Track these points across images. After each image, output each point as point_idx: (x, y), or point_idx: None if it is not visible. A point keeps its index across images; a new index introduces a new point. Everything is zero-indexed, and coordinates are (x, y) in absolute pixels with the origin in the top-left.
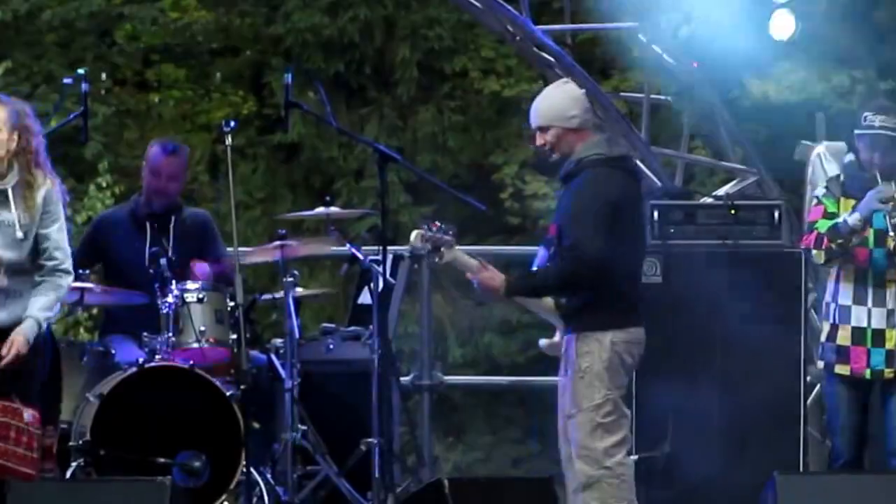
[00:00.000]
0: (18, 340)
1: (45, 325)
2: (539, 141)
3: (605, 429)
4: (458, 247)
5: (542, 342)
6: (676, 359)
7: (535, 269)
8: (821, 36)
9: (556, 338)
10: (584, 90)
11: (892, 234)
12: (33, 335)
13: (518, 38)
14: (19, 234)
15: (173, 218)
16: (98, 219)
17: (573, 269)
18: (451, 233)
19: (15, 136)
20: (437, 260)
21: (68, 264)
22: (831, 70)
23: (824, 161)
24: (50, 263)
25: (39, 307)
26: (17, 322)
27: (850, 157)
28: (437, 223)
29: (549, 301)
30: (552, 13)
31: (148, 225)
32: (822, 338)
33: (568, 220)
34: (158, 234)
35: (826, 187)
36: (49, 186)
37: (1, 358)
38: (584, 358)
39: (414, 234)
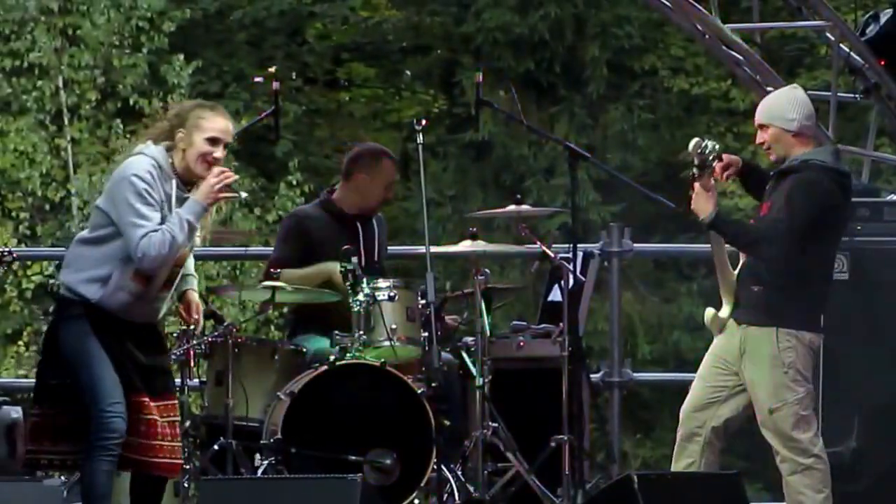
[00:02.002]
0: (197, 300)
1: None
2: (759, 139)
3: (806, 421)
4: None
5: (709, 311)
6: (863, 354)
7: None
8: None
9: (723, 314)
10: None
11: None
12: None
13: (707, 36)
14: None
15: (373, 219)
16: (297, 216)
17: (766, 234)
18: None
19: None
20: (694, 175)
21: None
22: None
23: None
24: None
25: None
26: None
27: None
28: (715, 146)
29: (732, 277)
30: (741, 12)
31: (358, 225)
32: None
33: (783, 202)
34: (365, 235)
35: None
36: None
37: (192, 322)
38: (787, 353)
39: (694, 141)
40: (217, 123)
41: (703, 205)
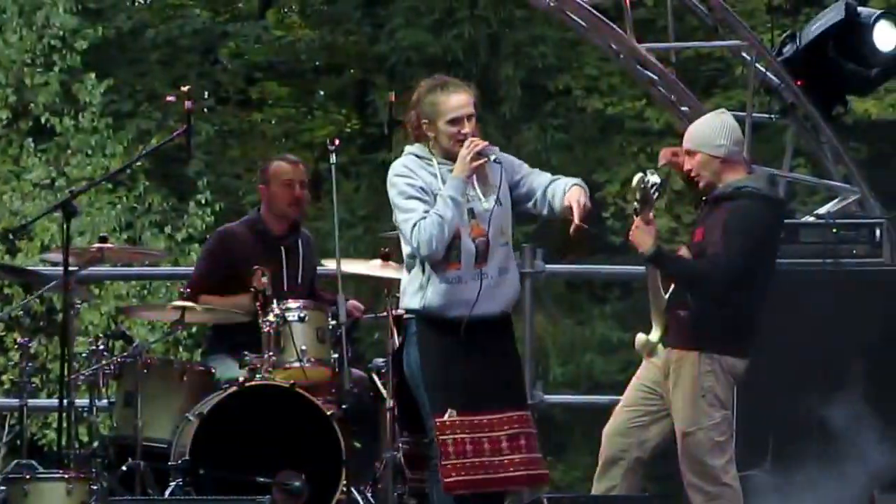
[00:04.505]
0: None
1: None
2: (687, 165)
3: (721, 447)
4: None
5: (640, 336)
6: (777, 376)
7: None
8: None
9: (653, 338)
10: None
11: None
12: None
13: (622, 55)
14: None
15: (300, 239)
16: (222, 235)
17: (707, 272)
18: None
19: None
20: (637, 210)
21: None
22: None
23: None
24: None
25: None
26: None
27: None
28: (658, 182)
29: (664, 302)
30: (656, 31)
31: (282, 248)
32: None
33: (719, 233)
34: (289, 258)
35: None
36: None
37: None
38: (707, 377)
39: (638, 177)
40: (452, 102)
41: (643, 238)
